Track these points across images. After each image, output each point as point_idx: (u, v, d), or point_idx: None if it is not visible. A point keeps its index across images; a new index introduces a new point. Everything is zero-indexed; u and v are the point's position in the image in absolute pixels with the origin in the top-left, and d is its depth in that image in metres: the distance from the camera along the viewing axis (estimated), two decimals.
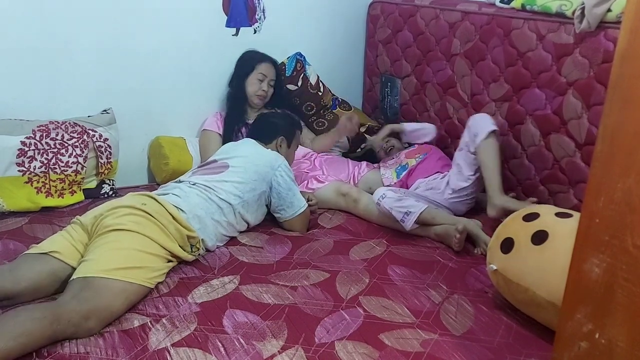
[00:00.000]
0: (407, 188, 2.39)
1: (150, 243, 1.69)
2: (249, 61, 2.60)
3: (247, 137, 2.34)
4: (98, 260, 1.57)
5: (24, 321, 1.37)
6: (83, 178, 2.28)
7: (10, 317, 1.39)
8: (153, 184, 2.59)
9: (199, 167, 2.18)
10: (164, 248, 1.72)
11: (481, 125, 2.11)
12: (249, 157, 2.13)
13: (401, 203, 2.05)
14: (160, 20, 2.44)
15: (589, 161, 1.95)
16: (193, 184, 1.99)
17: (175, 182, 2.08)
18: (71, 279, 1.56)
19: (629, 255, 0.86)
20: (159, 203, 1.81)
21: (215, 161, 2.15)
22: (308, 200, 2.20)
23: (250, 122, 2.59)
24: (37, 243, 1.72)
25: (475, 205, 2.30)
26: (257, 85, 2.58)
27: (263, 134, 2.28)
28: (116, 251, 1.62)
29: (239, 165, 2.08)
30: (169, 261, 1.76)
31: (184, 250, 1.81)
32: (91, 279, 1.52)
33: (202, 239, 1.87)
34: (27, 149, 2.15)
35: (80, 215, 1.80)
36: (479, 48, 2.35)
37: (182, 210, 1.85)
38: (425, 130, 2.55)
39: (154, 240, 1.70)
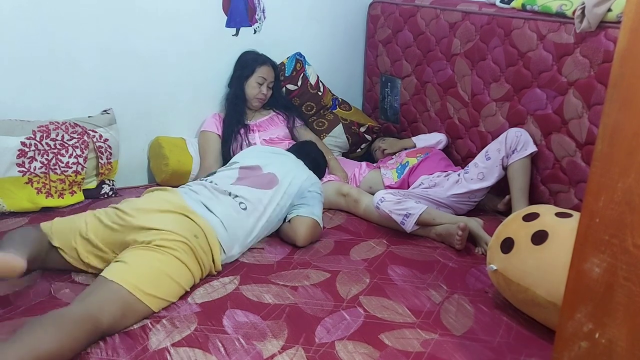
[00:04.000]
0: (408, 186, 2.39)
1: (189, 279, 1.66)
2: (249, 64, 2.59)
3: (290, 151, 2.32)
4: (138, 274, 1.54)
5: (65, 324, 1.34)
6: (83, 178, 2.28)
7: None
8: (153, 184, 2.59)
9: (241, 167, 2.07)
10: (193, 283, 1.70)
11: (522, 143, 2.12)
12: (301, 178, 2.10)
13: (400, 205, 2.04)
14: (160, 21, 2.44)
15: (589, 161, 1.93)
16: (243, 207, 1.89)
17: (223, 191, 1.91)
18: (103, 275, 1.53)
19: (629, 255, 0.86)
20: (207, 239, 1.74)
21: (258, 167, 2.07)
22: None
23: (249, 123, 2.60)
24: None
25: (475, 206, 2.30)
26: (257, 89, 2.58)
27: (304, 162, 2.26)
28: (161, 276, 1.58)
29: (291, 184, 2.05)
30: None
31: None
32: (119, 288, 1.48)
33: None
34: (27, 149, 2.15)
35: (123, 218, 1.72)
36: (480, 48, 2.35)
37: (223, 251, 1.80)
38: (435, 141, 2.59)
39: (194, 277, 1.68)
